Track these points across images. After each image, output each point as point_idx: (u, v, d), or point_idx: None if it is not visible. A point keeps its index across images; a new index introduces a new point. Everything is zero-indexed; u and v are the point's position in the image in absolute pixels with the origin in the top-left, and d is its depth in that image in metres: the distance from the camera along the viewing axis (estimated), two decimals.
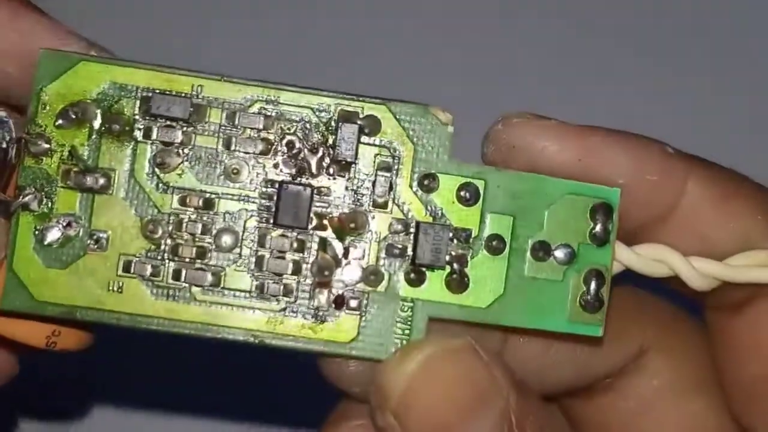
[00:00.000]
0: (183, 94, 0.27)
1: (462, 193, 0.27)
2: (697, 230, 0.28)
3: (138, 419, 0.43)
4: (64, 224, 0.27)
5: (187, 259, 0.27)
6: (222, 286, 0.27)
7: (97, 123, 0.27)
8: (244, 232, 0.27)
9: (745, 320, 0.29)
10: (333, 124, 0.27)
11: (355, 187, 0.27)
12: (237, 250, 0.27)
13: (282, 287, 0.27)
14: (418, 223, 0.27)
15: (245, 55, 0.43)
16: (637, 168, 0.28)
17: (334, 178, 0.27)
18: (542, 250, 0.27)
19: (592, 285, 0.27)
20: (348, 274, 0.27)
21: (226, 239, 0.27)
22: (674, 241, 0.28)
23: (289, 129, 0.27)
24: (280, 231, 0.27)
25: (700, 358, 0.31)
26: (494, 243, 0.27)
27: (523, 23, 0.45)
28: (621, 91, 0.44)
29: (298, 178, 0.27)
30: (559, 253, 0.27)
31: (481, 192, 0.27)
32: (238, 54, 0.43)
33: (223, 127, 0.27)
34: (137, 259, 0.27)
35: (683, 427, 0.31)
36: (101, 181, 0.27)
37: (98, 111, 0.27)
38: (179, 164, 0.27)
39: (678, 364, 0.31)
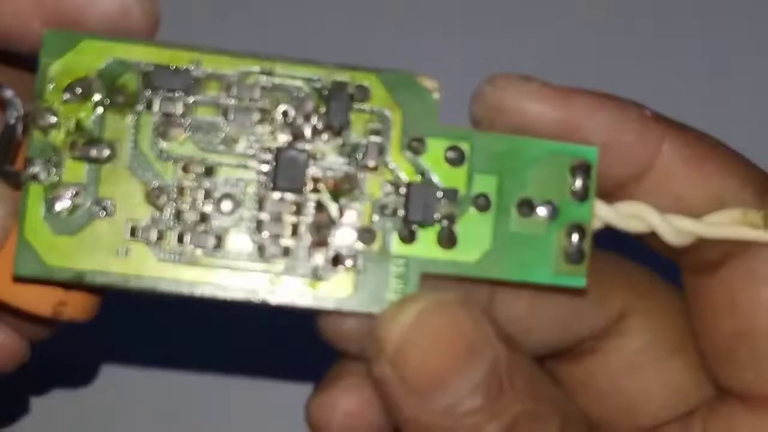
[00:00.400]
0: (183, 68, 0.28)
1: (449, 155, 0.29)
2: (672, 189, 0.30)
3: (147, 390, 0.44)
4: (72, 193, 0.28)
5: (190, 224, 0.28)
6: (224, 248, 0.28)
7: (101, 97, 0.28)
8: (243, 196, 0.28)
9: (720, 279, 0.30)
10: (325, 92, 0.28)
11: (347, 152, 0.28)
12: (237, 213, 0.28)
13: (281, 248, 0.28)
14: (408, 184, 0.28)
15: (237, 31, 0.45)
16: (615, 129, 0.29)
17: (327, 144, 0.28)
18: (526, 207, 0.29)
19: (574, 238, 0.29)
20: (343, 234, 0.28)
21: (227, 204, 0.28)
22: (650, 199, 0.30)
23: (283, 99, 0.28)
24: (278, 195, 0.28)
25: (678, 321, 0.32)
26: (481, 201, 0.29)
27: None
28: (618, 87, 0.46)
29: (294, 145, 0.28)
30: (542, 210, 0.29)
31: (467, 153, 0.29)
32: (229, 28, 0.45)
33: (221, 98, 0.28)
34: (143, 224, 0.28)
35: (664, 386, 0.32)
36: (106, 151, 0.28)
37: (102, 85, 0.28)
38: (180, 134, 0.28)
39: (657, 327, 0.32)
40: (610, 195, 0.30)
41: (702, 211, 0.30)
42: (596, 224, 0.29)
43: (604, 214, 0.29)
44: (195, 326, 0.42)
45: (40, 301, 0.29)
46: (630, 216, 0.30)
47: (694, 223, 0.29)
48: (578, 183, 0.29)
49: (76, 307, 0.30)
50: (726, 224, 0.29)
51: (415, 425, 0.28)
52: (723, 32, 0.47)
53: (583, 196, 0.29)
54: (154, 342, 0.44)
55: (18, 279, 0.28)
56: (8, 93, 0.28)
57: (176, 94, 0.28)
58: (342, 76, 0.29)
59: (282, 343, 0.42)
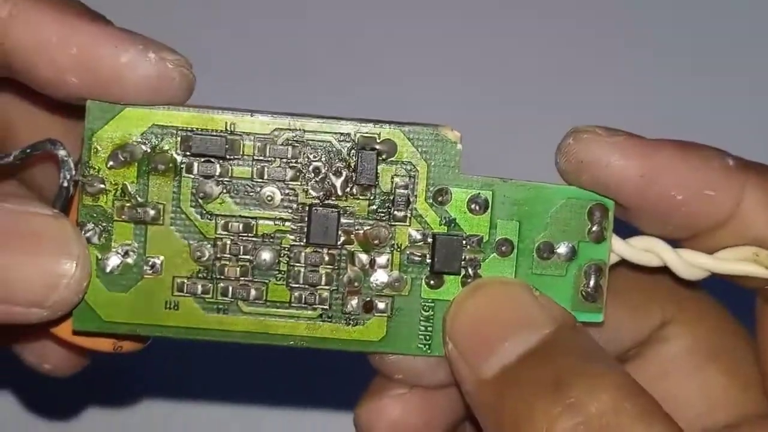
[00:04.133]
0: (218, 132, 0.30)
1: (472, 205, 0.30)
2: (753, 234, 0.30)
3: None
4: (122, 253, 0.30)
5: (233, 277, 0.30)
6: (265, 298, 0.30)
7: (143, 162, 0.30)
8: (280, 250, 0.30)
9: None
10: (354, 149, 0.30)
11: (376, 205, 0.30)
12: (276, 266, 0.30)
13: (317, 297, 0.30)
14: (434, 235, 0.30)
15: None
16: (697, 184, 0.30)
17: (358, 198, 0.30)
18: (546, 250, 0.31)
19: (592, 278, 0.31)
20: (375, 281, 0.30)
21: (266, 258, 0.30)
22: (733, 244, 0.31)
23: (314, 156, 0.30)
24: (312, 248, 0.30)
25: (719, 330, 0.34)
26: (503, 247, 0.30)
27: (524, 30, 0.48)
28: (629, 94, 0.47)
29: (326, 200, 0.30)
30: (562, 252, 0.31)
31: (490, 201, 0.30)
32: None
33: (256, 159, 0.30)
34: (189, 280, 0.30)
35: (702, 392, 0.33)
36: (152, 213, 0.30)
37: (144, 151, 0.30)
38: (219, 194, 0.30)
39: (695, 335, 0.34)
40: (695, 239, 0.31)
41: None
42: (612, 259, 0.31)
43: (619, 248, 0.31)
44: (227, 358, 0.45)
45: (101, 342, 0.32)
46: (644, 250, 0.31)
47: (705, 258, 0.31)
48: (595, 225, 0.31)
49: (133, 341, 0.32)
50: (736, 261, 0.31)
51: (474, 397, 0.29)
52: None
53: (600, 237, 0.31)
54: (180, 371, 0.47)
55: (77, 333, 0.30)
56: (62, 152, 0.30)
57: (214, 157, 0.30)
58: (369, 132, 0.30)
59: (309, 375, 0.45)
